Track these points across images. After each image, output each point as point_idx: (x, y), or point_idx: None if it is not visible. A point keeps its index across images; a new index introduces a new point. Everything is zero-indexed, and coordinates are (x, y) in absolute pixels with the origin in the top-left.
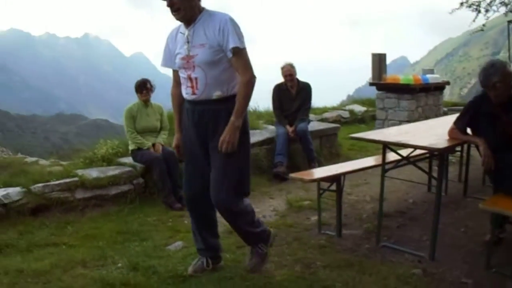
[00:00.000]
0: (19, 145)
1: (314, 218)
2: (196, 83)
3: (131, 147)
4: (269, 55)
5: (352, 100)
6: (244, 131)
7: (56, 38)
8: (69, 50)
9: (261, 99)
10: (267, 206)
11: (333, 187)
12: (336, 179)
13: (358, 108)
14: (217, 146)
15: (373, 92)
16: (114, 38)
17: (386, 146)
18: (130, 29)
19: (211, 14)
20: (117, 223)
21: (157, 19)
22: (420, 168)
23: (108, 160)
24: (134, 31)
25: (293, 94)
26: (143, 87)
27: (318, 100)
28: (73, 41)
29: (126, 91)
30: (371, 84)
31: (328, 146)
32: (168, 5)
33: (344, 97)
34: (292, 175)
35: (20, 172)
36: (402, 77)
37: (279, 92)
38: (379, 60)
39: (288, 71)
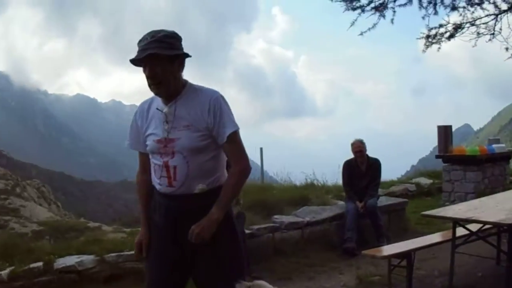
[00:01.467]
0: (82, 210)
1: None
2: (175, 173)
3: None
4: (335, 127)
5: (418, 172)
6: (231, 231)
7: (122, 105)
8: None
9: (329, 172)
10: (337, 281)
11: (403, 263)
12: (406, 255)
13: (424, 181)
14: (204, 253)
15: (438, 162)
16: None
17: (456, 222)
18: None
19: (198, 89)
20: None
21: (221, 90)
22: (489, 242)
23: None
24: None
25: (363, 170)
26: None
27: (383, 169)
28: None
29: None
30: (437, 156)
31: (396, 221)
32: (148, 76)
33: (409, 167)
34: (364, 252)
35: (93, 240)
36: (468, 148)
37: (349, 168)
38: (444, 132)
39: (358, 148)
